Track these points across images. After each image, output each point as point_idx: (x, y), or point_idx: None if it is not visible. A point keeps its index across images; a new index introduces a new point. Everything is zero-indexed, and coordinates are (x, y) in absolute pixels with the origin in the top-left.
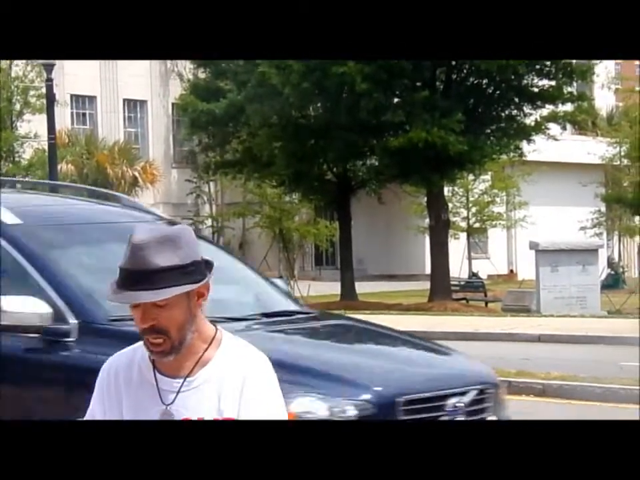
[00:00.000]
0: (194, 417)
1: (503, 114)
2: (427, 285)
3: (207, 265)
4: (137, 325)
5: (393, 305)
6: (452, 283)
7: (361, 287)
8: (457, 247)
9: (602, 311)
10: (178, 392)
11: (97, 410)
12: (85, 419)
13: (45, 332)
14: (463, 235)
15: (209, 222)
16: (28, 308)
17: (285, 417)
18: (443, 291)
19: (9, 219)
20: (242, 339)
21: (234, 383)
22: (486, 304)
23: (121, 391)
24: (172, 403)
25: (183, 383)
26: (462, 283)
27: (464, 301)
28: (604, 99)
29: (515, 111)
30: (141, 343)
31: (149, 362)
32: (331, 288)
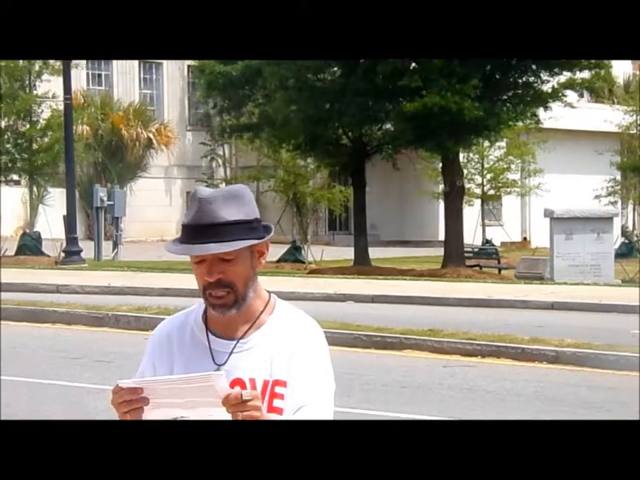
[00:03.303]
0: (245, 378)
1: (519, 80)
2: (440, 251)
3: (265, 228)
4: (201, 280)
5: (406, 271)
6: (465, 249)
7: (374, 253)
8: (471, 213)
9: (615, 279)
10: (231, 353)
11: (146, 370)
12: (135, 377)
13: None
14: (478, 202)
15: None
16: None
17: (332, 386)
18: (456, 257)
19: None
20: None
21: (286, 347)
22: (499, 271)
23: (173, 351)
24: (224, 363)
25: (235, 344)
26: (475, 250)
27: (477, 268)
28: (621, 67)
29: (532, 78)
30: (192, 307)
31: (202, 323)
32: (344, 253)
